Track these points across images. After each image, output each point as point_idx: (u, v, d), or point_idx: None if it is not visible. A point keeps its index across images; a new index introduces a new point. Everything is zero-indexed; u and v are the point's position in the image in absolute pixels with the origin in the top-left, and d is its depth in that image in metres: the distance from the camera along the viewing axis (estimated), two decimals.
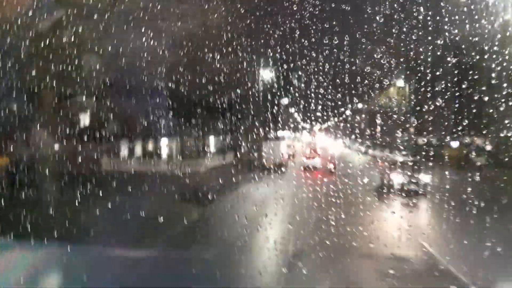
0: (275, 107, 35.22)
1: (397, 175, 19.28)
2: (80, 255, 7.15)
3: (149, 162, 25.26)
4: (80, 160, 16.99)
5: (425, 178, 18.49)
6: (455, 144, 38.23)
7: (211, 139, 34.67)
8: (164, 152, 28.15)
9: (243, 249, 9.93)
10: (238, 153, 33.96)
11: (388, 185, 19.26)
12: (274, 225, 11.02)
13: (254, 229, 10.77)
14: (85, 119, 24.52)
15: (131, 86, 25.09)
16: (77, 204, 12.28)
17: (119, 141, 26.69)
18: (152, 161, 25.38)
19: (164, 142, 29.08)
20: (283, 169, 27.95)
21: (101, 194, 12.42)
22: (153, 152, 27.05)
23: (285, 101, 53.61)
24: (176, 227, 12.25)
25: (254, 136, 35.80)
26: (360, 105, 58.51)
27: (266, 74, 34.65)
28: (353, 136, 56.88)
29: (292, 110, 57.41)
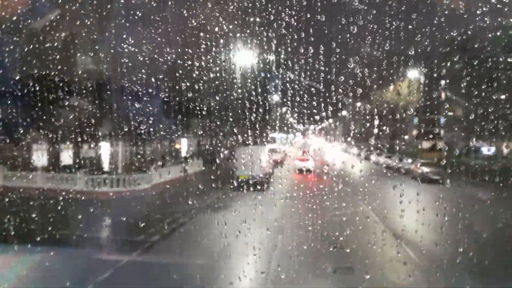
0: (260, 105, 28.00)
1: None
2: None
3: (64, 175, 17.54)
4: None
5: None
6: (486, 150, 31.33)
7: (172, 144, 27.13)
8: (101, 161, 20.54)
9: None
10: (205, 162, 26.55)
11: None
12: None
13: None
14: None
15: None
16: None
17: (33, 144, 19.13)
18: (69, 175, 17.64)
19: (104, 147, 21.44)
20: (264, 184, 20.38)
21: None
22: (82, 160, 19.50)
23: (274, 98, 46.49)
24: None
25: (230, 140, 28.64)
26: (358, 105, 51.89)
27: (246, 62, 27.40)
28: (349, 139, 50.43)
29: (283, 109, 50.51)
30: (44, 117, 19.43)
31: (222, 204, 14.97)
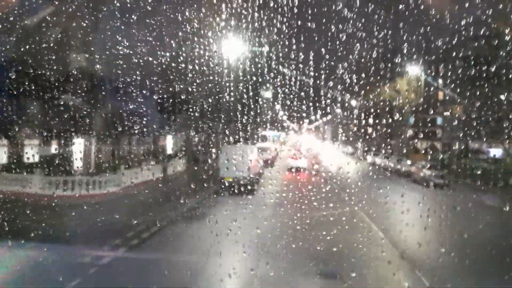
0: (251, 101, 25.91)
1: None
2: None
3: (18, 176, 15.28)
4: None
5: None
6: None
7: (155, 142, 24.98)
8: (69, 160, 18.30)
9: None
10: (189, 161, 24.41)
11: None
12: None
13: None
14: None
15: None
16: None
17: None
18: (23, 176, 15.40)
19: (74, 144, 19.20)
20: (253, 186, 18.22)
21: None
22: (45, 159, 17.25)
23: (267, 94, 44.36)
24: None
25: (220, 138, 26.55)
26: (353, 103, 49.95)
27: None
28: (344, 137, 48.78)
29: (276, 107, 48.50)
30: (7, 109, 17.26)
31: (198, 213, 12.86)
